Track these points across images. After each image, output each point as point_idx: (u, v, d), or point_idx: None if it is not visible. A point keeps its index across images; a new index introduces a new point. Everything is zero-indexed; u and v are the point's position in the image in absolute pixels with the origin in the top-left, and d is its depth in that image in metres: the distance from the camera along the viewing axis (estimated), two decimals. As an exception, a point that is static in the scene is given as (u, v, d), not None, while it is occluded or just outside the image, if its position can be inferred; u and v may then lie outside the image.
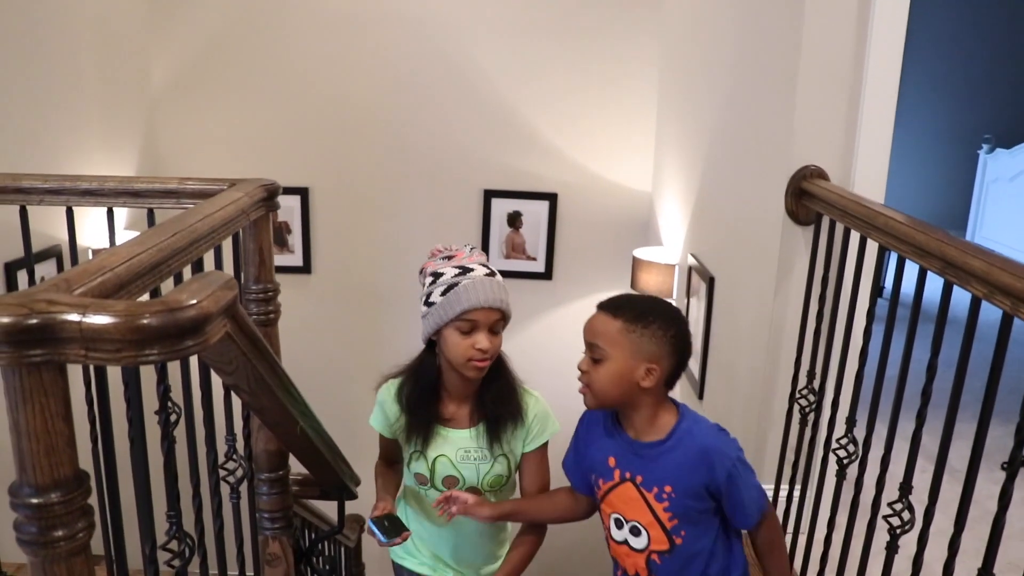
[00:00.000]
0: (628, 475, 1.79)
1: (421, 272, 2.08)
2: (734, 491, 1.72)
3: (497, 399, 2.08)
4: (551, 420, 2.15)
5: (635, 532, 1.80)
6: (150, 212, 2.11)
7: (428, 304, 2.01)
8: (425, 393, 2.08)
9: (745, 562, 1.89)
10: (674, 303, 3.63)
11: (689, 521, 1.75)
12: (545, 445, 2.14)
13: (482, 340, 1.97)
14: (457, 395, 2.10)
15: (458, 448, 2.09)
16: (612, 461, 1.82)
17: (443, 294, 1.97)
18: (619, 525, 1.83)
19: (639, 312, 1.71)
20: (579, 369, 1.76)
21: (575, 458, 1.96)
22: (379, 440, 2.22)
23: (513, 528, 2.28)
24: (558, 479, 2.09)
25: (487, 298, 1.95)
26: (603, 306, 1.76)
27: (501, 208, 4.30)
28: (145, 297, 1.32)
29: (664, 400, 1.78)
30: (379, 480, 2.23)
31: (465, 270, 1.99)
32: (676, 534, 1.76)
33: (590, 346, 1.73)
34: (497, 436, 2.08)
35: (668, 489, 1.73)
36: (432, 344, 2.08)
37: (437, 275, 2.01)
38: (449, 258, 2.04)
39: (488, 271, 2.01)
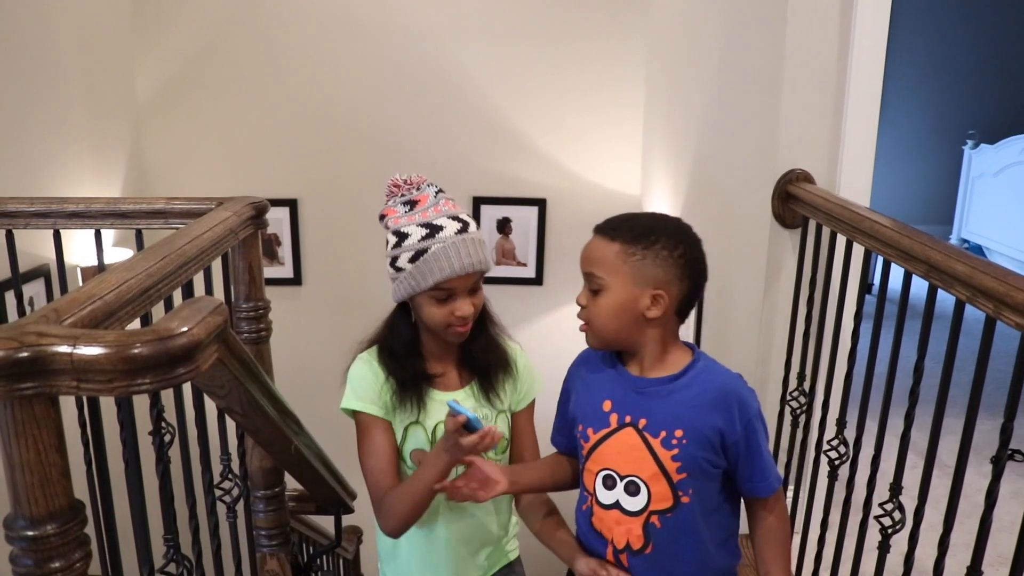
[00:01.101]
0: (628, 419, 1.52)
1: (381, 219, 1.82)
2: (752, 446, 1.49)
3: (485, 350, 1.87)
4: (537, 373, 1.99)
5: (632, 490, 1.52)
6: (138, 233, 2.11)
7: (395, 268, 1.76)
8: (407, 355, 1.83)
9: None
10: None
11: (699, 476, 1.49)
12: (533, 403, 1.96)
13: (462, 307, 1.74)
14: (439, 355, 1.87)
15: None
16: (608, 405, 1.56)
17: (412, 261, 1.72)
18: (610, 484, 1.54)
19: (640, 231, 1.48)
20: (577, 304, 1.56)
21: (561, 411, 1.73)
22: (369, 440, 1.80)
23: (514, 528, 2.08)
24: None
25: (463, 264, 1.70)
26: (599, 228, 1.54)
27: (490, 214, 4.31)
28: (136, 323, 1.32)
29: (675, 336, 1.56)
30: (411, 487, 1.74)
31: (433, 229, 1.72)
32: (683, 490, 1.49)
33: (587, 276, 1.53)
34: (494, 389, 1.88)
35: (678, 434, 1.47)
36: (404, 303, 1.85)
37: (401, 235, 1.74)
38: (411, 204, 1.77)
39: (460, 225, 1.74)
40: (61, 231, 2.19)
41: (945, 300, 1.58)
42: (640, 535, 1.51)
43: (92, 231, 2.21)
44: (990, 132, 7.15)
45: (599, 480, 1.55)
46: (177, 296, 1.51)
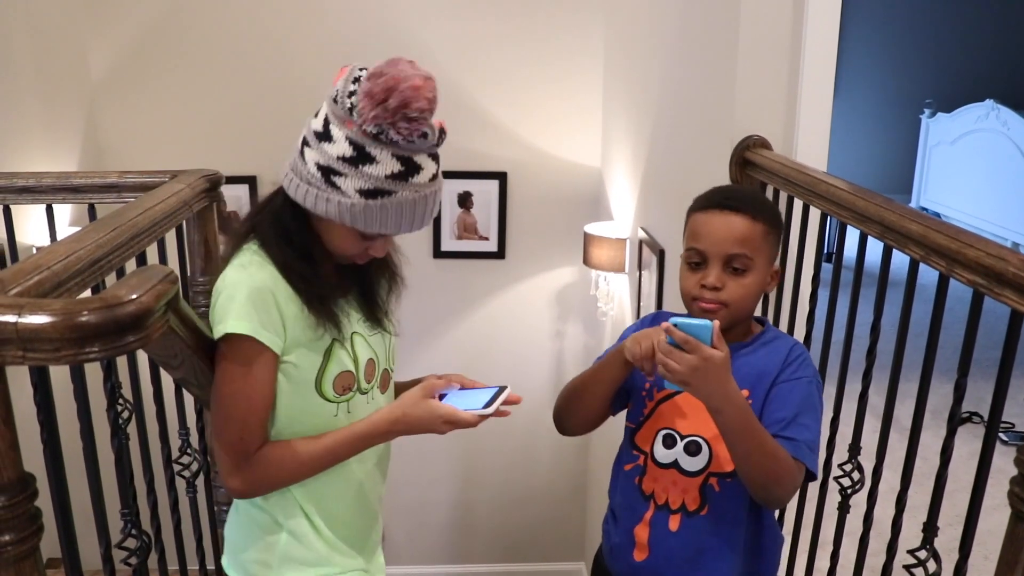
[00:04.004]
0: None
1: (350, 93, 1.47)
2: (782, 395, 1.46)
3: (374, 262, 1.58)
4: None
5: (692, 449, 1.50)
6: (91, 207, 2.08)
7: (329, 183, 1.41)
8: (313, 267, 1.48)
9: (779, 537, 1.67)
10: (626, 277, 3.67)
11: None
12: None
13: (381, 249, 1.51)
14: (323, 259, 1.53)
15: (356, 319, 1.56)
16: None
17: (365, 196, 1.38)
18: (670, 443, 1.52)
19: (772, 211, 1.51)
20: (709, 287, 1.47)
21: None
22: (253, 377, 1.40)
23: None
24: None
25: (423, 224, 1.47)
26: (735, 207, 1.48)
27: (451, 188, 4.28)
28: (86, 294, 1.30)
29: None
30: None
31: (410, 169, 1.41)
32: None
33: (732, 256, 1.46)
34: (382, 307, 1.61)
35: (745, 394, 1.45)
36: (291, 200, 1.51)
37: (364, 156, 1.39)
38: (396, 110, 1.42)
39: (435, 168, 1.48)
40: (12, 208, 2.15)
41: (903, 266, 1.59)
42: (697, 496, 1.50)
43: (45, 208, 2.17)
44: (947, 101, 7.23)
45: (659, 439, 1.54)
46: (130, 268, 1.49)
